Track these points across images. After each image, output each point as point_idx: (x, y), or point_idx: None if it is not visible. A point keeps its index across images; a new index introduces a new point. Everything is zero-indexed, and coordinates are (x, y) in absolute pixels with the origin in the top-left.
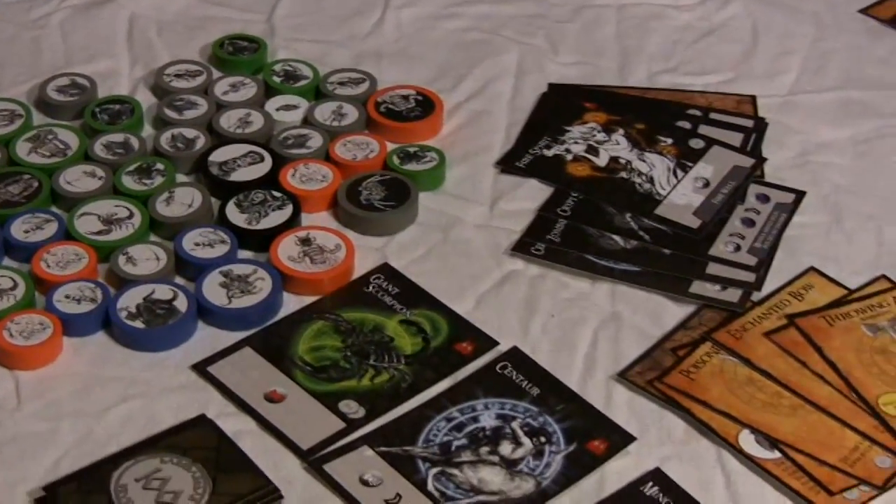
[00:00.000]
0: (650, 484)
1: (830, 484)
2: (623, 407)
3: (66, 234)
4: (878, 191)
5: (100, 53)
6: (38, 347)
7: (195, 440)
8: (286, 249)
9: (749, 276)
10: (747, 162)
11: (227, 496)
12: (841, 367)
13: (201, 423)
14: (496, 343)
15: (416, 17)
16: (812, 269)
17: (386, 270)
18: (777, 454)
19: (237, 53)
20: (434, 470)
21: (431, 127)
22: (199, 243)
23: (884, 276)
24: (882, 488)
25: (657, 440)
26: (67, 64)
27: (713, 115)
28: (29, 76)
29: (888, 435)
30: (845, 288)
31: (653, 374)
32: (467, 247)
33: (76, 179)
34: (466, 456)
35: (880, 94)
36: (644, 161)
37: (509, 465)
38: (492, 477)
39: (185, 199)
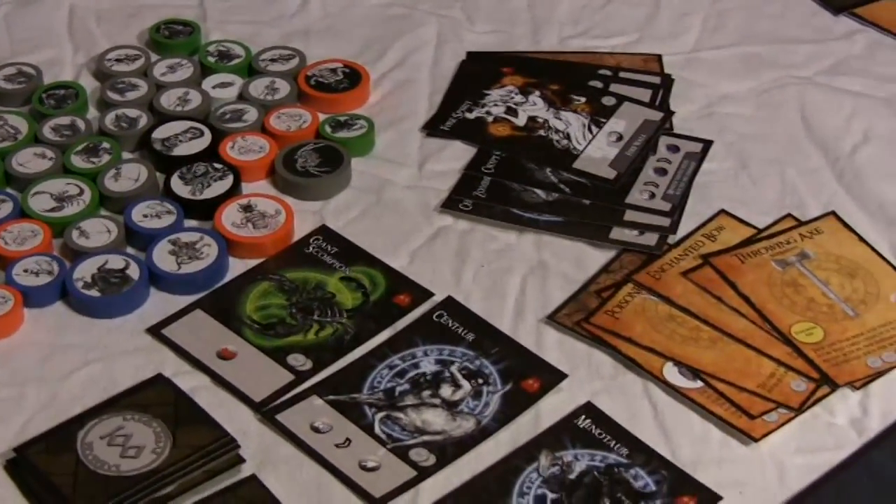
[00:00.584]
0: (583, 417)
1: (751, 408)
2: (553, 347)
3: (21, 213)
4: (779, 137)
5: (43, 43)
6: (0, 319)
7: (154, 398)
8: (229, 216)
9: (664, 221)
10: (657, 116)
11: (187, 448)
12: (754, 301)
13: (159, 381)
14: (431, 294)
15: None
16: (723, 211)
17: (324, 232)
18: (699, 384)
19: (173, 37)
20: (380, 414)
21: (359, 97)
22: (147, 215)
23: (789, 215)
24: (799, 410)
25: (587, 376)
26: (13, 55)
27: (622, 74)
28: None
29: (802, 361)
30: (754, 228)
31: (579, 315)
32: (399, 206)
33: (28, 161)
34: (409, 400)
35: (775, 48)
36: (560, 119)
37: (450, 406)
38: (434, 418)
39: (131, 174)
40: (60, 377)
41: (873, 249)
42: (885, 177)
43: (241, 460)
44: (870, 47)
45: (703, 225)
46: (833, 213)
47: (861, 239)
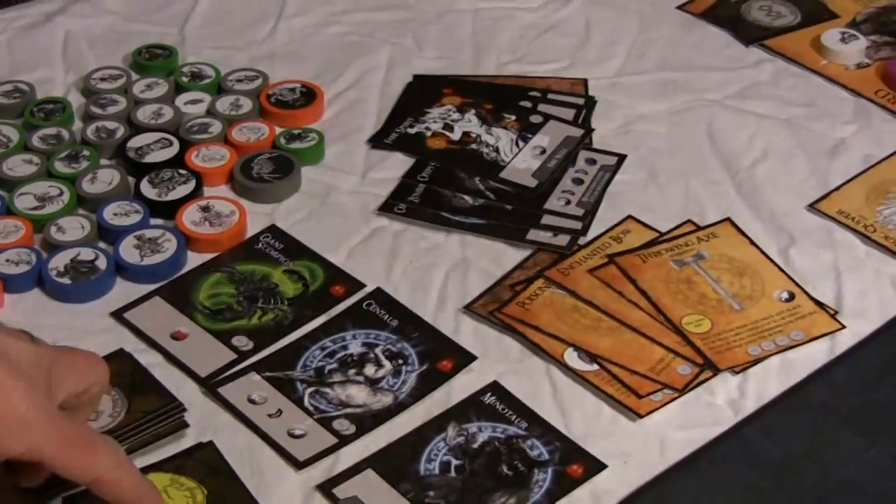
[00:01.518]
0: (489, 394)
1: (639, 389)
2: (469, 334)
3: (7, 211)
4: (687, 152)
5: (39, 64)
6: None
7: (114, 368)
8: (189, 216)
9: (576, 224)
10: (578, 132)
11: (140, 412)
12: (651, 295)
13: (119, 355)
14: (363, 285)
15: (304, 25)
16: (630, 217)
17: (273, 230)
18: (596, 367)
19: (152, 59)
20: (310, 389)
21: (314, 113)
22: (118, 213)
23: (689, 221)
24: (682, 390)
25: (496, 359)
26: (12, 74)
27: (550, 96)
28: None
29: (689, 348)
30: (657, 231)
31: (493, 305)
32: (342, 209)
33: (16, 166)
34: (337, 377)
35: (691, 74)
36: (491, 134)
37: (372, 383)
38: (357, 393)
39: (106, 178)
40: None
41: (763, 252)
42: (779, 189)
43: (186, 425)
44: (776, 74)
45: (611, 229)
46: (729, 220)
47: (752, 242)
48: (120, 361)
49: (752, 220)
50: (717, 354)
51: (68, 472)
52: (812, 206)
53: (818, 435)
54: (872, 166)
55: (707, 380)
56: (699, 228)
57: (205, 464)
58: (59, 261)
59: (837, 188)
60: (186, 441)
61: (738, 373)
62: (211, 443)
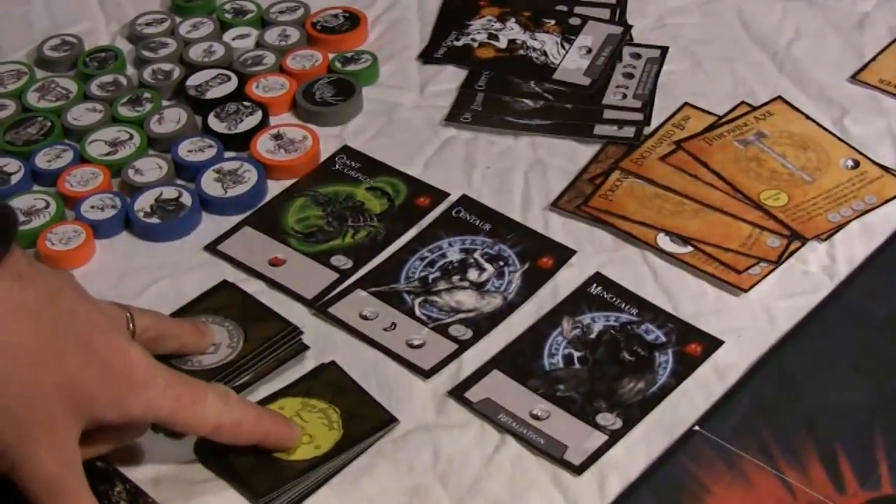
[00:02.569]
0: (595, 285)
1: (736, 265)
2: (559, 229)
3: (81, 159)
4: (724, 39)
5: (79, 17)
6: (75, 251)
7: (223, 301)
8: (263, 145)
9: (638, 116)
10: (618, 30)
11: (259, 340)
12: (725, 175)
13: (225, 286)
14: (448, 194)
15: None
16: (686, 104)
17: (347, 151)
18: (690, 248)
19: (191, 1)
20: (418, 300)
21: (360, 36)
22: (192, 150)
23: (743, 102)
24: (777, 262)
25: (592, 251)
26: (55, 29)
27: None
28: (25, 43)
29: (773, 222)
30: (715, 115)
31: (578, 200)
32: (408, 124)
33: (81, 116)
34: (442, 285)
35: None
36: (536, 39)
37: (478, 287)
38: (466, 298)
39: (173, 117)
40: (135, 295)
41: (819, 125)
42: (819, 64)
43: (306, 347)
44: None
45: (672, 117)
46: (780, 98)
47: (807, 117)
48: (226, 293)
49: (800, 96)
50: (800, 225)
51: (187, 426)
52: (854, 78)
53: None
54: None
55: (797, 249)
56: (754, 108)
57: (332, 383)
58: (144, 201)
59: (874, 58)
60: (308, 364)
61: (824, 240)
62: (333, 362)
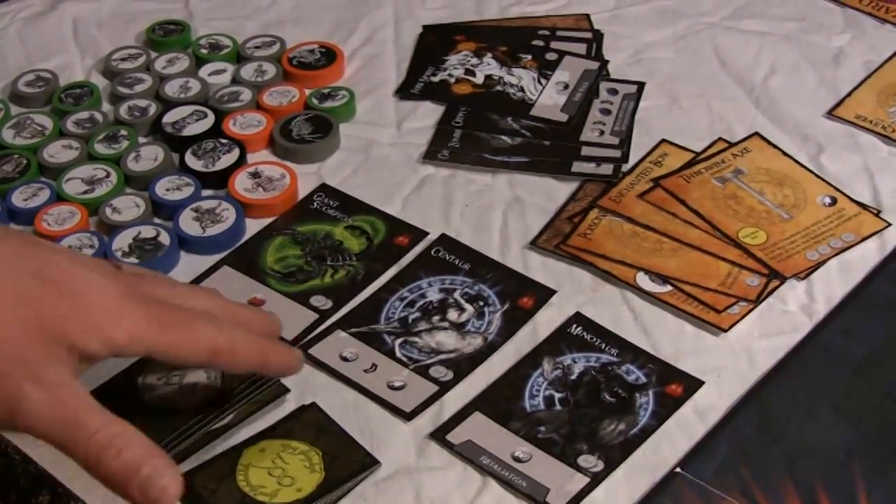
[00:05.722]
0: (575, 325)
1: (716, 304)
2: (539, 269)
3: (58, 197)
4: (700, 74)
5: (54, 52)
6: None
7: None
8: (241, 183)
9: (616, 153)
10: (594, 65)
11: (237, 379)
12: (703, 213)
13: None
14: (426, 233)
15: None
16: (664, 140)
17: (325, 189)
18: (669, 287)
19: (167, 35)
20: (398, 340)
21: (337, 72)
22: (169, 188)
23: (720, 139)
24: (756, 301)
25: (572, 291)
26: (29, 63)
27: (559, 33)
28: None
29: (752, 260)
30: (692, 152)
31: (557, 239)
32: (386, 161)
33: (57, 153)
34: (422, 325)
35: (684, 0)
36: (513, 75)
37: (458, 327)
38: (446, 339)
39: (150, 155)
40: None
41: (796, 161)
42: (795, 100)
43: (286, 389)
44: None
45: (649, 153)
46: (757, 134)
47: (784, 153)
48: None
49: (777, 133)
50: (779, 263)
51: (179, 354)
52: (830, 114)
53: (892, 328)
54: (874, 72)
55: (775, 288)
56: (731, 145)
57: (313, 425)
58: (122, 241)
59: (849, 94)
60: (288, 406)
61: (802, 279)
62: (314, 404)
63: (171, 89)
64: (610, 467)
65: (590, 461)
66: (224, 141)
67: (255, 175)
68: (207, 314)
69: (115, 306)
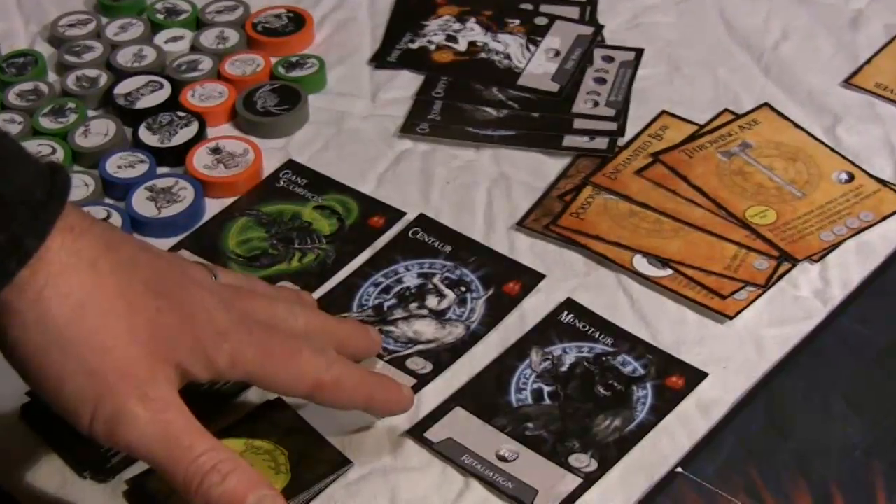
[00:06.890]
0: (565, 313)
1: (721, 289)
2: (526, 251)
3: None
4: (705, 40)
5: None
6: None
7: None
8: (200, 160)
9: (611, 125)
10: (588, 30)
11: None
12: (707, 191)
13: None
14: (403, 213)
15: None
16: (664, 112)
17: (292, 165)
18: (669, 272)
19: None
20: None
21: (306, 38)
22: (121, 165)
23: (727, 110)
24: (765, 286)
25: (562, 275)
26: None
27: None
28: None
29: (760, 241)
30: (696, 124)
31: (546, 219)
32: (359, 135)
33: None
34: (398, 313)
35: None
36: (499, 42)
37: (438, 315)
38: (424, 328)
39: (100, 129)
40: None
41: (809, 134)
42: (809, 67)
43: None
44: None
45: (648, 126)
46: (767, 104)
47: (796, 126)
48: None
49: (789, 103)
50: (790, 245)
51: (279, 386)
52: (847, 82)
53: None
54: None
55: (787, 272)
56: (738, 117)
57: (279, 423)
58: None
59: (868, 61)
60: (252, 401)
61: (816, 261)
62: (279, 399)
63: (124, 58)
64: (604, 467)
65: (582, 460)
66: (181, 114)
67: (216, 151)
68: (311, 339)
69: (222, 328)
